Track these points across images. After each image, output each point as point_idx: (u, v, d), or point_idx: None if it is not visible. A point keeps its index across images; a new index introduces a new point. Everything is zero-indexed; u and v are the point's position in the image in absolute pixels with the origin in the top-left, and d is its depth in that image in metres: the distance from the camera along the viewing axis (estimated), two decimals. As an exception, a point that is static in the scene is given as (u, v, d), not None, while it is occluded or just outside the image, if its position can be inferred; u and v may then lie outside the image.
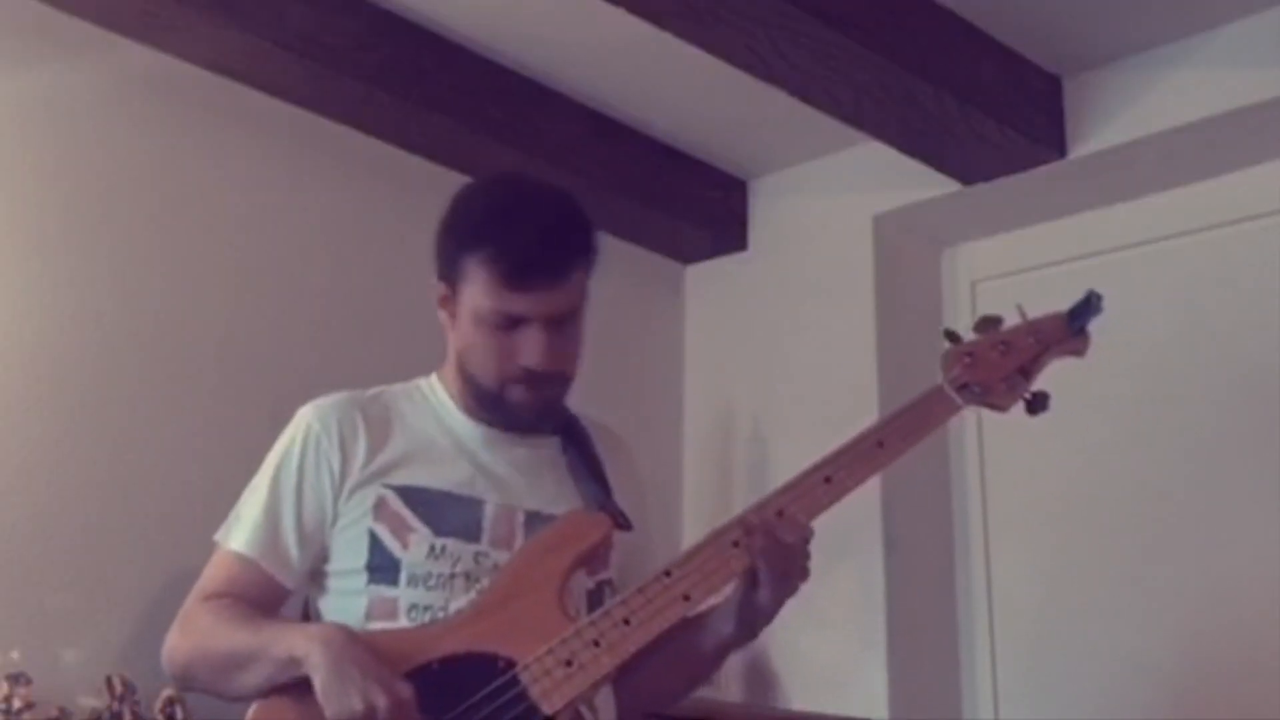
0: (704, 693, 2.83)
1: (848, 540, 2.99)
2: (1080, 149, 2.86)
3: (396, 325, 2.89)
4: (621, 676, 1.77)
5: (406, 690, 1.58)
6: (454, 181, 2.98)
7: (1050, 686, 2.94)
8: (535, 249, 1.77)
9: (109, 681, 2.22)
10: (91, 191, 2.52)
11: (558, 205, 1.83)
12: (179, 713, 2.23)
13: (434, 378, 1.94)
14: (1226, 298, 2.88)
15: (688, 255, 3.49)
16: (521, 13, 2.73)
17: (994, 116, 2.74)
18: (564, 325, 1.80)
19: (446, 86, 2.82)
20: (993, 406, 1.90)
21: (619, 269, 3.36)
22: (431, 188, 2.99)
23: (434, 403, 1.90)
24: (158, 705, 2.23)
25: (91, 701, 2.20)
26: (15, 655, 2.14)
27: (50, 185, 2.46)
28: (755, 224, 3.40)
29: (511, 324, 1.77)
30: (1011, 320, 1.93)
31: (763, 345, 3.30)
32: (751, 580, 1.74)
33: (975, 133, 2.77)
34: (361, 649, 1.61)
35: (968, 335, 1.91)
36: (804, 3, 2.38)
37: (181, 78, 2.64)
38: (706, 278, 3.48)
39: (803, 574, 1.75)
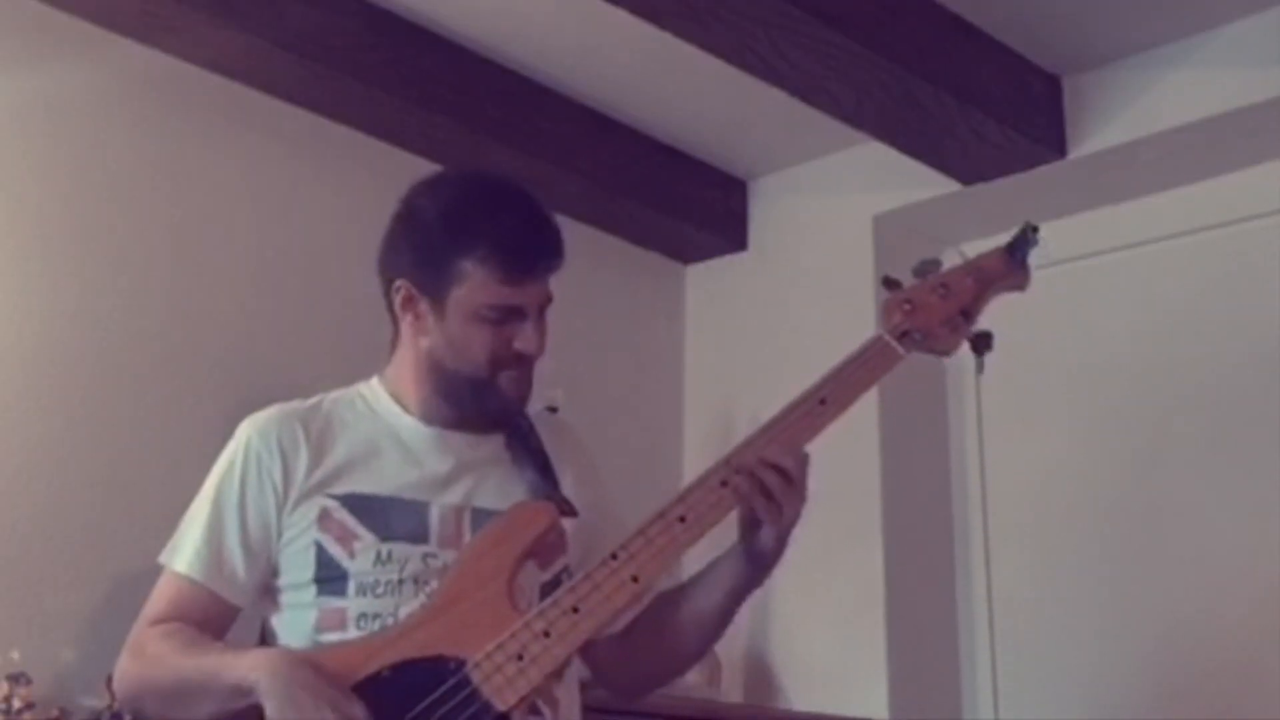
0: (704, 693, 2.84)
1: (848, 541, 2.99)
2: (1080, 149, 2.86)
3: (396, 325, 2.89)
4: (634, 648, 1.78)
5: (358, 710, 1.57)
6: (454, 181, 3.02)
7: (1050, 686, 2.94)
8: (534, 241, 1.79)
9: (109, 681, 2.22)
10: (91, 191, 2.52)
11: (529, 195, 1.84)
12: (179, 713, 2.23)
13: (375, 381, 1.91)
14: (1226, 298, 2.88)
15: (688, 255, 3.49)
16: (521, 13, 2.73)
17: (994, 116, 2.74)
18: (544, 310, 1.82)
19: (446, 86, 2.82)
20: (936, 352, 1.88)
21: (619, 269, 3.39)
22: (431, 188, 3.01)
23: (377, 407, 1.88)
24: (158, 705, 2.24)
25: (91, 701, 2.20)
26: (15, 655, 2.13)
27: (50, 185, 2.46)
28: (755, 224, 3.40)
29: (509, 316, 1.78)
30: (951, 263, 1.91)
31: (763, 345, 3.30)
32: (751, 523, 1.72)
33: (975, 133, 2.77)
34: (309, 672, 1.59)
35: (908, 281, 1.88)
36: (804, 3, 2.38)
37: (181, 78, 2.64)
38: (706, 278, 3.48)
39: (800, 501, 1.72)
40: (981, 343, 1.87)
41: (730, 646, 3.00)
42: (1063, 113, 2.89)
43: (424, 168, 2.97)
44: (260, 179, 2.76)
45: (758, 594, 1.79)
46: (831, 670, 2.97)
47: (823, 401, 1.79)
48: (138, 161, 2.59)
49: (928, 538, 3.11)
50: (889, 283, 1.88)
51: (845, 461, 2.80)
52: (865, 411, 3.00)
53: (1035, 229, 1.89)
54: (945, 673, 3.05)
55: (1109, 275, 3.04)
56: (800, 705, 2.97)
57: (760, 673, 3.06)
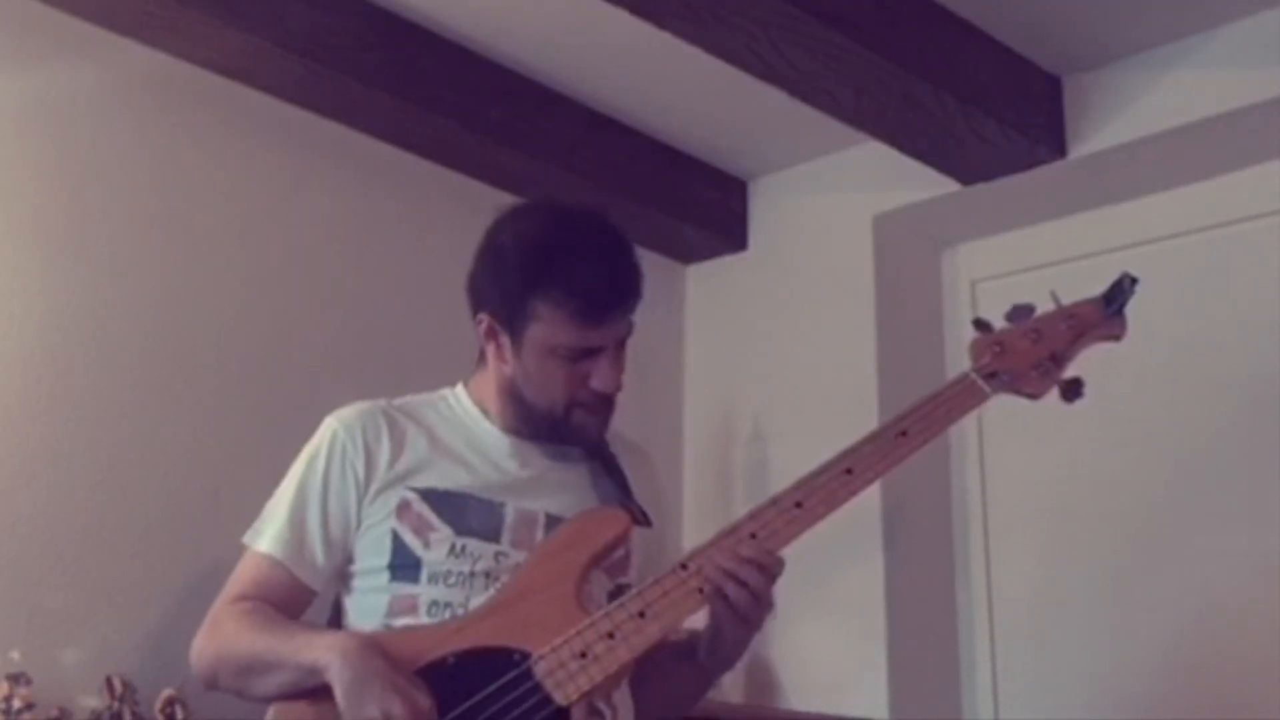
0: (704, 693, 2.84)
1: (848, 541, 2.99)
2: (1080, 149, 2.86)
3: (396, 325, 2.89)
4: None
5: (424, 699, 1.61)
6: (454, 181, 3.03)
7: (1050, 686, 2.94)
8: (611, 283, 1.82)
9: (109, 681, 2.22)
10: (90, 191, 2.52)
11: (611, 233, 1.86)
12: (179, 713, 2.23)
13: (460, 389, 1.97)
14: (1226, 298, 2.88)
15: (688, 255, 3.49)
16: (521, 13, 2.73)
17: (994, 116, 2.74)
18: (622, 347, 1.87)
19: (446, 86, 2.82)
20: (1024, 394, 1.87)
21: (619, 269, 3.39)
22: (431, 188, 3.02)
23: (460, 412, 1.93)
24: (158, 705, 2.24)
25: (91, 701, 2.21)
26: (15, 655, 2.14)
27: (49, 185, 2.46)
28: (755, 224, 3.40)
29: (585, 354, 1.82)
30: (1044, 308, 1.91)
31: (763, 345, 3.30)
32: (716, 621, 1.75)
33: (975, 133, 2.77)
34: (379, 658, 1.64)
35: (999, 324, 1.89)
36: (804, 3, 2.38)
37: (181, 78, 2.64)
38: (706, 278, 3.48)
39: (765, 612, 1.75)
40: (1072, 389, 1.88)
41: (730, 646, 3.01)
42: (1063, 113, 2.88)
43: (424, 167, 2.99)
44: (260, 179, 2.76)
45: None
46: (831, 670, 2.97)
47: (903, 434, 1.82)
48: (137, 161, 2.59)
49: (928, 538, 3.11)
50: (980, 324, 1.89)
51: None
52: (865, 412, 3.02)
53: (1134, 280, 1.90)
54: (945, 673, 3.05)
55: (1109, 275, 3.02)
56: (800, 705, 2.97)
57: (760, 673, 3.07)
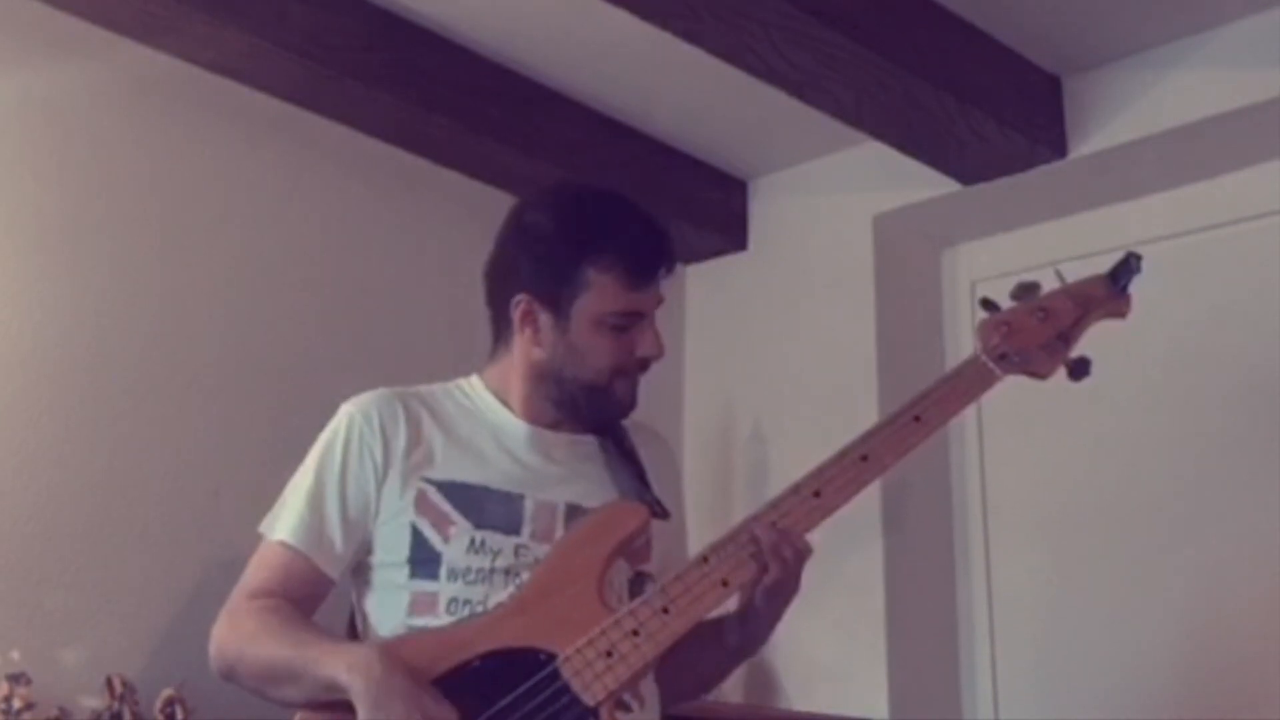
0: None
1: (848, 541, 2.99)
2: (1080, 149, 2.86)
3: (396, 324, 2.89)
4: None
5: (450, 713, 1.60)
6: (454, 182, 3.03)
7: (1050, 686, 2.94)
8: (655, 246, 1.88)
9: (109, 681, 2.22)
10: (90, 191, 2.52)
11: (635, 202, 1.92)
12: (179, 713, 2.23)
13: (475, 379, 1.96)
14: (1227, 298, 2.88)
15: (688, 255, 3.48)
16: (522, 13, 2.73)
17: (994, 116, 2.74)
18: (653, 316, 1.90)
19: (446, 86, 2.82)
20: (1033, 374, 1.89)
21: (619, 269, 3.39)
22: (431, 188, 3.02)
23: (476, 401, 1.92)
24: (158, 705, 2.24)
25: (91, 701, 2.21)
26: (15, 655, 2.14)
27: (49, 185, 2.46)
28: (755, 224, 3.40)
29: (631, 322, 1.85)
30: (1049, 286, 1.92)
31: (763, 345, 3.30)
32: (750, 594, 1.76)
33: (975, 133, 2.77)
34: (400, 674, 1.62)
35: (1005, 304, 1.90)
36: (804, 3, 2.38)
37: (181, 78, 2.64)
38: (706, 278, 3.48)
39: (795, 590, 1.78)
40: (1079, 368, 1.89)
41: (730, 646, 3.01)
42: (1063, 113, 2.88)
43: (424, 168, 2.99)
44: (259, 179, 2.76)
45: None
46: (831, 670, 2.96)
47: (917, 419, 1.82)
48: (137, 161, 2.59)
49: (928, 538, 3.11)
50: (987, 304, 1.91)
51: (845, 461, 2.79)
52: (865, 412, 3.01)
53: (1139, 257, 1.90)
54: (945, 673, 3.05)
55: (1109, 275, 3.03)
56: (800, 705, 2.97)
57: (760, 673, 3.06)
